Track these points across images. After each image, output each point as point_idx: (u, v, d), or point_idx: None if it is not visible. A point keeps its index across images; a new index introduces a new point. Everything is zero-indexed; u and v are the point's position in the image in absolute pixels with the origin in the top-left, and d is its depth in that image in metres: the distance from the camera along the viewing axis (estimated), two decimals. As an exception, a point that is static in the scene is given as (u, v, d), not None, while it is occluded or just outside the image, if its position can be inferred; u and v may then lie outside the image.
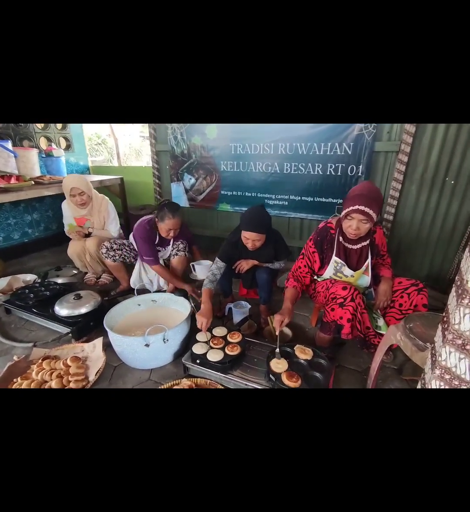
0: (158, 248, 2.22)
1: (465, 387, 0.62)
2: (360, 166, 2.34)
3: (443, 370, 0.64)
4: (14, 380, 1.44)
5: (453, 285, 0.61)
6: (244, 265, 1.86)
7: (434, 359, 0.67)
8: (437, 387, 0.66)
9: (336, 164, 2.44)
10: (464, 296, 0.57)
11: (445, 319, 0.64)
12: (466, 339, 0.59)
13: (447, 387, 0.65)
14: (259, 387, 1.34)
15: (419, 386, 0.74)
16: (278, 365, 1.36)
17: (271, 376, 1.33)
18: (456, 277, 0.60)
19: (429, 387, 0.68)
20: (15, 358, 1.52)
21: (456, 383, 0.63)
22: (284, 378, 1.29)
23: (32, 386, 1.40)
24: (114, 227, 2.51)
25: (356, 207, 1.35)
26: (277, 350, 1.44)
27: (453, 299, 0.61)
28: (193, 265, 2.27)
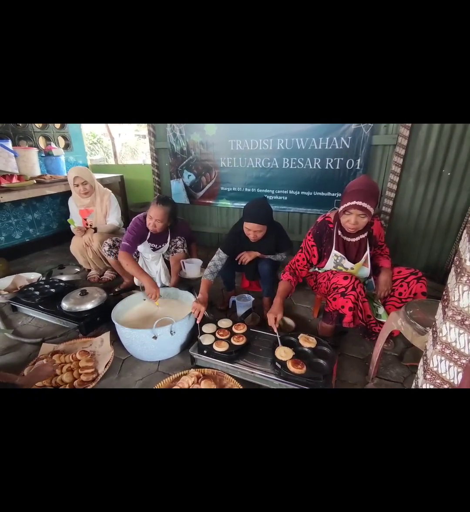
0: (152, 245, 2.22)
1: (464, 361, 0.67)
2: (358, 160, 2.38)
3: (444, 346, 0.69)
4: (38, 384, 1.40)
5: (452, 264, 0.65)
6: (247, 256, 1.90)
7: (435, 336, 0.71)
8: (438, 362, 0.71)
9: (335, 158, 2.47)
10: (462, 274, 0.61)
11: (445, 297, 0.68)
12: (465, 315, 0.63)
13: (447, 361, 0.69)
14: (265, 375, 1.38)
15: (420, 363, 0.78)
16: (284, 353, 1.40)
17: (277, 363, 1.37)
18: (455, 258, 0.65)
19: (431, 363, 0.73)
20: (44, 361, 1.54)
21: (456, 357, 0.67)
22: (289, 365, 1.33)
23: (44, 379, 1.44)
24: (115, 216, 2.59)
25: (354, 202, 1.37)
26: (278, 337, 1.48)
27: (453, 277, 0.65)
28: (183, 262, 2.26)
